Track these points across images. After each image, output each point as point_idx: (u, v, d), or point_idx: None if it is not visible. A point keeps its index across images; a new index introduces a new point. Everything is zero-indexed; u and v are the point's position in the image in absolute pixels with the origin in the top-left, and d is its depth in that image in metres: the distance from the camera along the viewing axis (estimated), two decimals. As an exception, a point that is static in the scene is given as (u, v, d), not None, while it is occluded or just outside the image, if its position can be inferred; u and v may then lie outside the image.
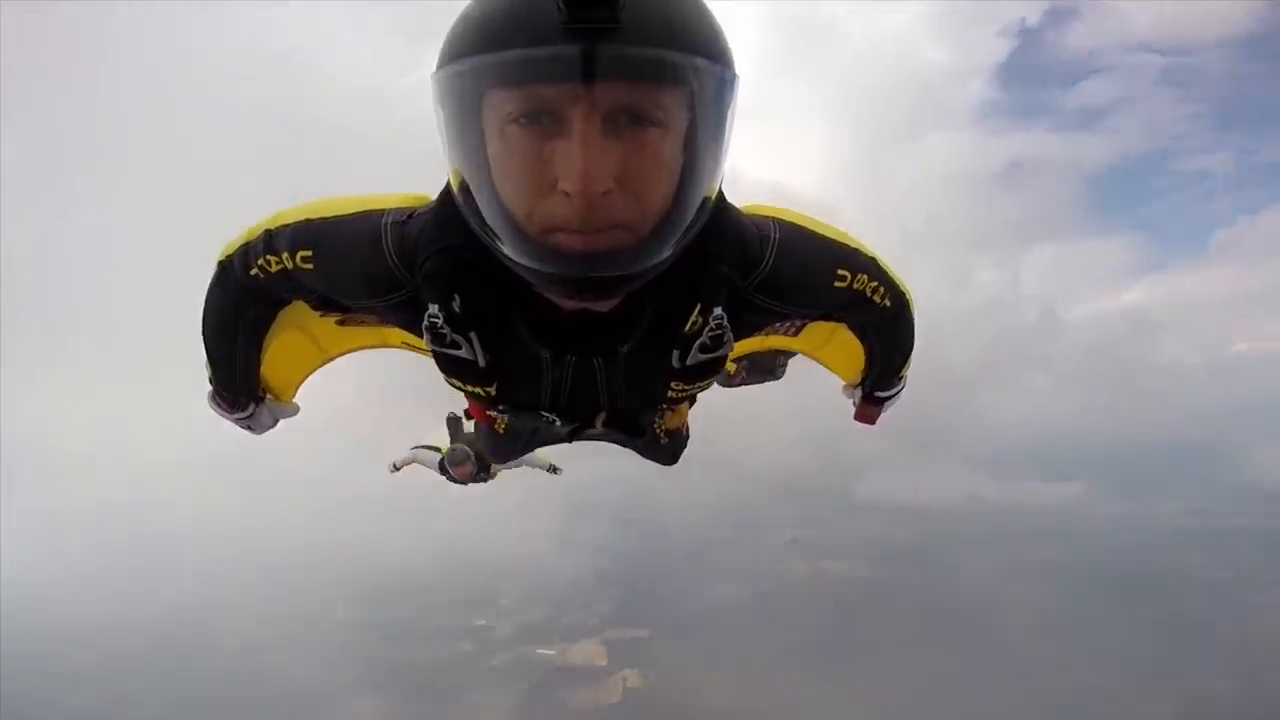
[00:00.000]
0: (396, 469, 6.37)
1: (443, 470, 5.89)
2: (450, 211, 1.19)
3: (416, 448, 6.12)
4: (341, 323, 2.06)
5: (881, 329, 1.96)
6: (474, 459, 5.71)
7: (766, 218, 1.48)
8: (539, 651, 47.01)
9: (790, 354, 4.65)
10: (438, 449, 5.85)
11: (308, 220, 1.48)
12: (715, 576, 60.32)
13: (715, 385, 5.05)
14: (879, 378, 2.31)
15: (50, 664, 44.72)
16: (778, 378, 4.71)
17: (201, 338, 1.88)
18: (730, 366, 4.72)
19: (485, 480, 6.08)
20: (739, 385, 4.84)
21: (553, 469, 7.06)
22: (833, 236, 1.57)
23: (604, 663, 44.21)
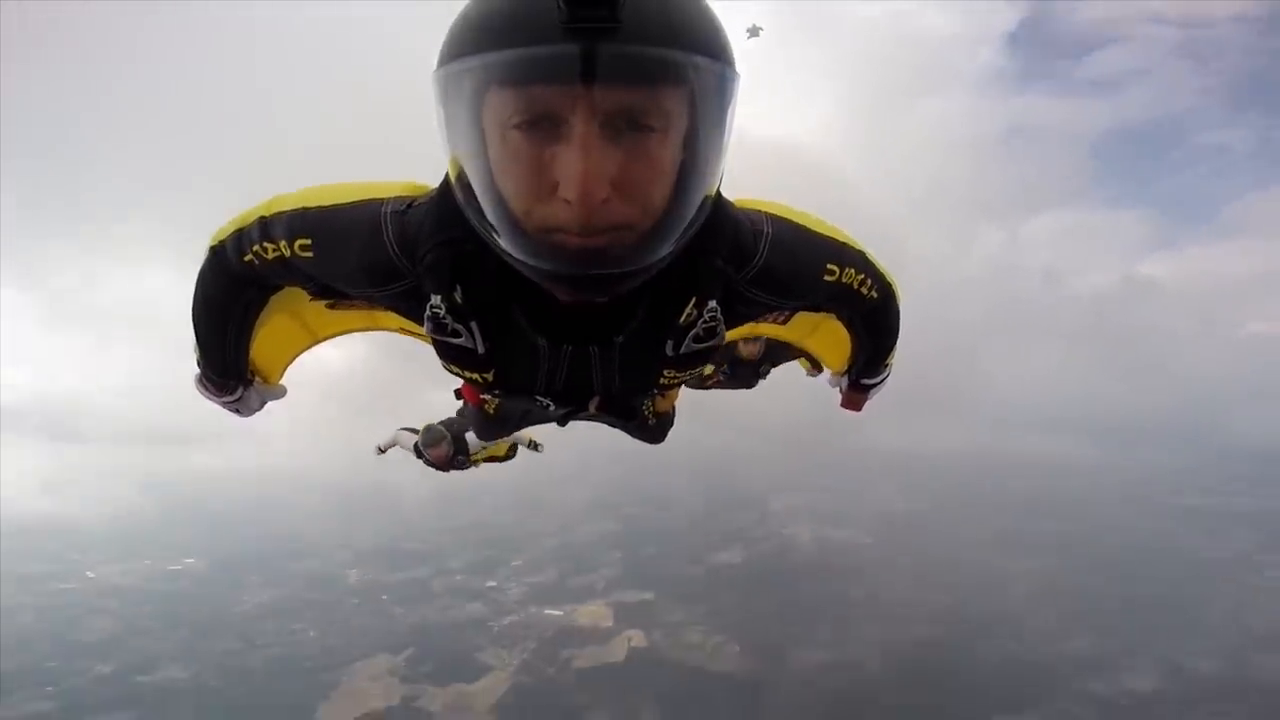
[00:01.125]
0: (382, 451, 6.08)
1: (418, 453, 5.54)
2: (451, 204, 1.20)
3: (402, 429, 5.86)
4: (332, 306, 2.07)
5: (868, 319, 1.99)
6: (450, 441, 5.37)
7: (759, 212, 1.50)
8: (547, 612, 48.39)
9: (770, 367, 4.90)
10: (418, 430, 5.54)
11: (305, 208, 1.47)
12: (720, 542, 61.55)
13: (688, 387, 5.33)
14: (865, 366, 2.35)
15: (72, 631, 46.81)
16: (751, 388, 5.00)
17: (191, 321, 1.87)
18: (708, 370, 4.86)
19: (464, 467, 5.68)
20: (712, 388, 5.12)
21: (534, 445, 6.70)
22: (823, 231, 1.59)
23: (610, 624, 45.54)
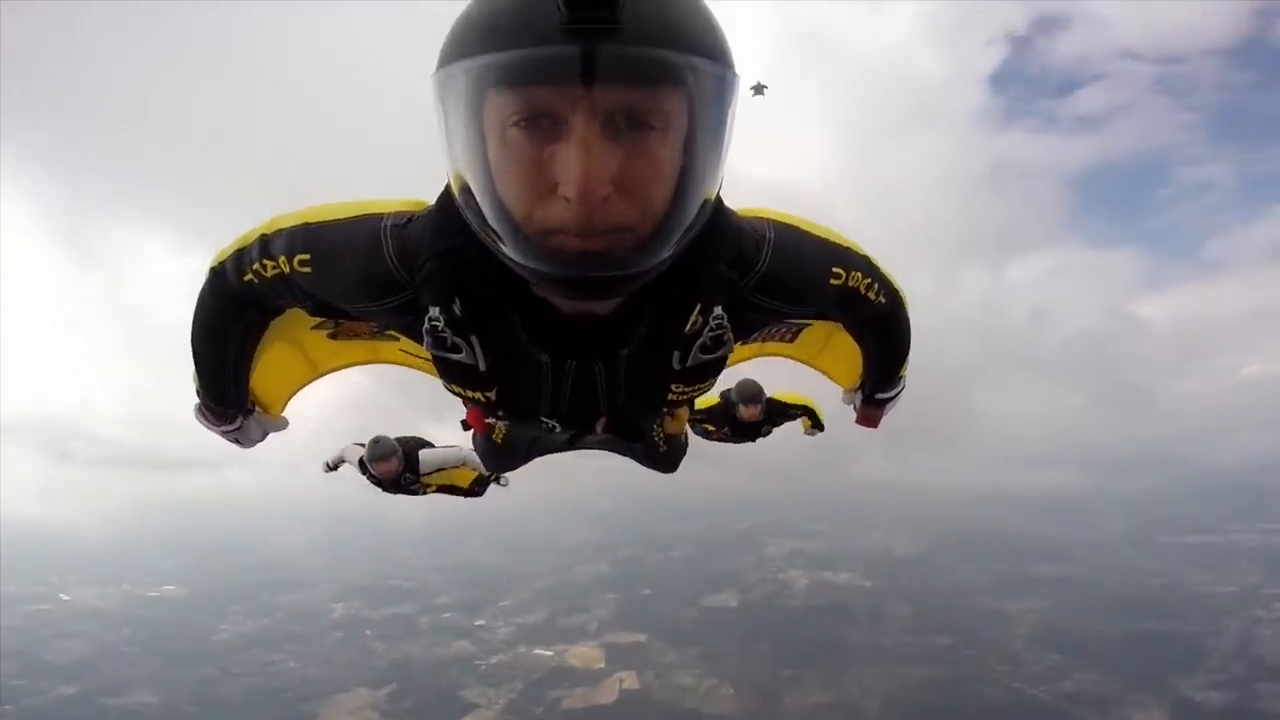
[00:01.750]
0: (331, 468, 5.50)
1: (364, 469, 4.96)
2: (450, 214, 1.19)
3: (353, 444, 5.28)
4: (334, 335, 2.02)
5: (878, 327, 1.93)
6: (400, 457, 4.87)
7: (761, 218, 1.48)
8: (537, 652, 47.11)
9: (771, 428, 5.08)
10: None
11: (305, 224, 1.46)
12: (715, 584, 60.62)
13: (695, 436, 5.07)
14: (879, 380, 2.27)
15: (42, 652, 45.78)
16: (754, 441, 5.12)
17: (191, 347, 1.83)
18: (709, 426, 5.05)
19: (413, 489, 5.15)
20: (717, 441, 5.21)
21: (498, 478, 5.84)
22: (826, 236, 1.57)
23: (602, 665, 44.26)
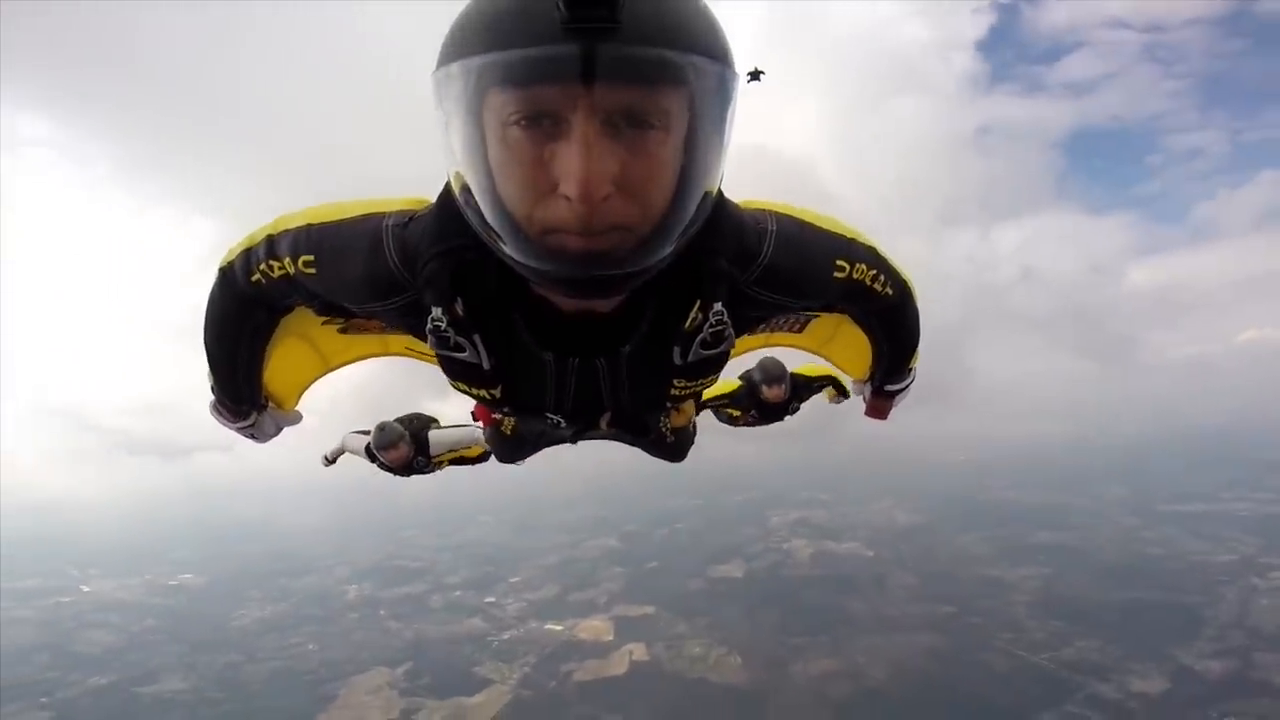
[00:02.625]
0: (330, 462, 5.32)
1: (371, 457, 4.77)
2: (450, 213, 1.19)
3: (352, 433, 5.08)
4: (344, 330, 2.03)
5: (885, 319, 1.93)
6: (409, 440, 4.66)
7: (763, 210, 1.48)
8: (548, 627, 48.17)
9: (799, 404, 4.89)
10: (369, 432, 4.78)
11: (309, 225, 1.47)
12: (720, 556, 61.55)
13: (721, 424, 5.05)
14: (888, 371, 2.27)
15: (71, 644, 46.97)
16: (781, 420, 4.96)
17: (204, 345, 1.86)
18: (735, 412, 4.93)
19: (426, 470, 4.93)
20: (744, 426, 5.10)
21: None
22: (829, 227, 1.56)
23: (611, 638, 45.26)
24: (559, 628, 47.81)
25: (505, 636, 46.98)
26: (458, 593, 57.03)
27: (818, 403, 4.93)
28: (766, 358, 4.59)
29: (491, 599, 55.00)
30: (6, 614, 52.26)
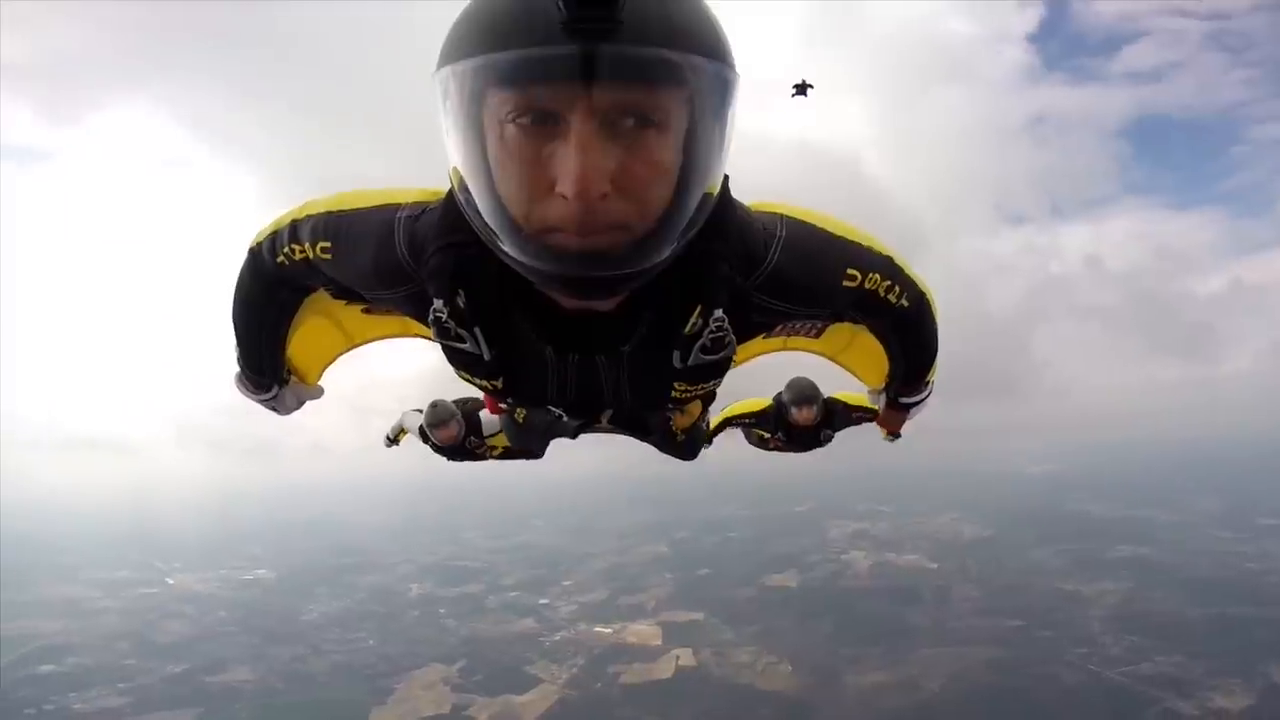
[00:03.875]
0: (392, 441, 5.30)
1: (424, 437, 4.77)
2: (456, 208, 1.20)
3: (410, 411, 5.05)
4: (367, 310, 2.07)
5: (901, 331, 1.86)
6: (460, 420, 4.63)
7: (774, 214, 1.46)
8: (597, 630, 48.46)
9: (832, 433, 4.55)
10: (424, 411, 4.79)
11: (329, 212, 1.53)
12: (774, 565, 60.51)
13: (750, 446, 4.77)
14: (904, 383, 2.20)
15: (150, 633, 49.93)
16: (812, 449, 4.63)
17: (231, 321, 1.95)
18: (764, 433, 4.68)
19: (479, 454, 4.88)
20: (774, 450, 4.86)
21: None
22: (843, 234, 1.51)
23: (659, 642, 45.11)
24: (608, 630, 48.05)
25: (556, 637, 47.56)
26: (513, 594, 58.12)
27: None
28: (798, 377, 4.26)
29: (545, 601, 55.82)
30: (96, 604, 56.20)
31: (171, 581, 64.41)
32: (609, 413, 1.89)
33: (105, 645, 46.99)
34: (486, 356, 1.48)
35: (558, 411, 1.79)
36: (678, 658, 42.27)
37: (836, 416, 4.35)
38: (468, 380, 1.64)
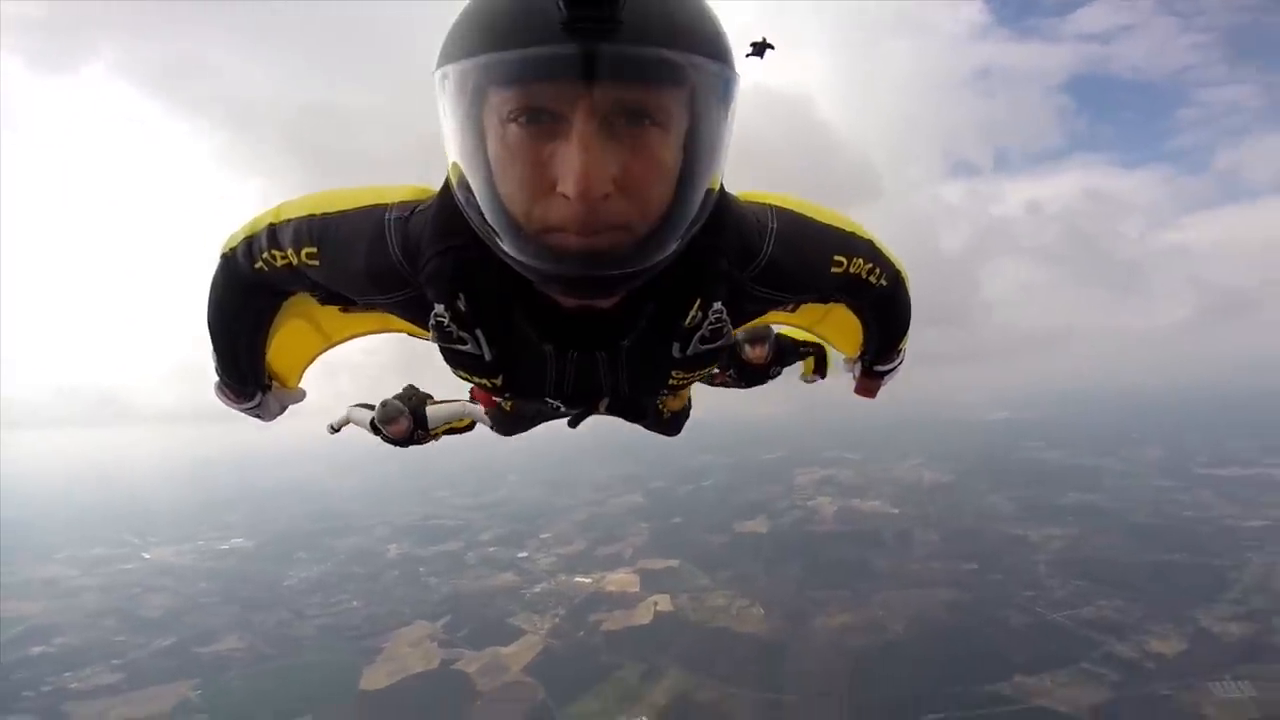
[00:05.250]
0: (334, 430, 5.57)
1: (375, 430, 5.10)
2: (452, 210, 1.19)
3: (354, 406, 5.37)
4: (345, 309, 2.02)
5: (879, 308, 1.92)
6: (408, 415, 5.01)
7: (764, 205, 1.47)
8: (577, 580, 50.05)
9: (780, 369, 4.66)
10: (372, 406, 5.10)
11: (310, 215, 1.47)
12: (745, 512, 62.68)
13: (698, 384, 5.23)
14: (878, 352, 2.29)
15: (135, 608, 49.96)
16: (762, 384, 4.75)
17: (207, 329, 1.86)
18: (714, 369, 4.76)
19: (424, 441, 5.29)
20: (720, 386, 4.90)
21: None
22: (829, 222, 1.55)
23: (637, 589, 46.99)
24: (587, 580, 49.70)
25: (537, 589, 49.04)
26: (491, 549, 59.25)
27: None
28: None
29: (523, 554, 57.15)
30: (74, 583, 55.81)
31: (148, 555, 64.10)
32: (606, 401, 1.92)
33: (91, 623, 47.00)
34: (488, 357, 1.49)
35: (554, 404, 1.80)
36: (655, 604, 44.14)
37: (785, 353, 4.50)
38: (465, 379, 1.65)
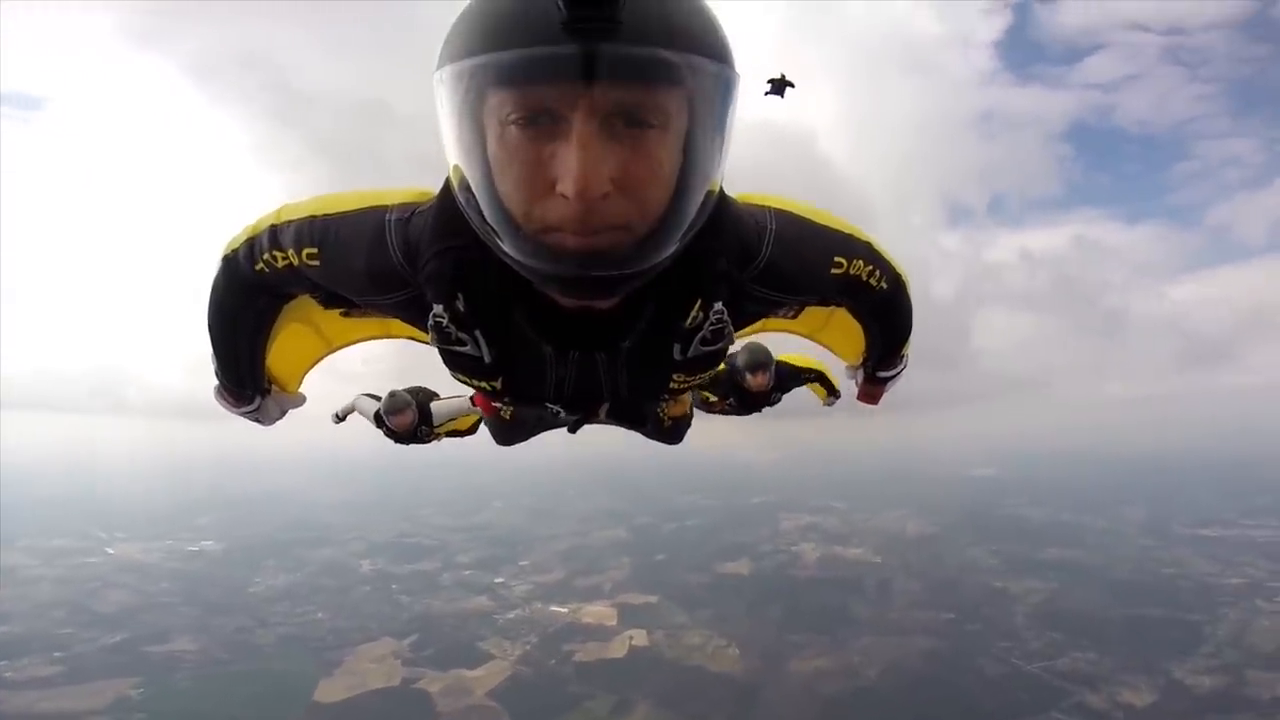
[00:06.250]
0: (340, 419, 5.56)
1: (379, 422, 5.09)
2: (451, 210, 1.19)
3: (362, 395, 5.38)
4: (346, 314, 2.03)
5: (880, 311, 1.91)
6: (415, 408, 4.97)
7: (763, 208, 1.47)
8: (552, 609, 48.99)
9: (781, 395, 4.66)
10: (379, 397, 5.09)
11: (312, 217, 1.48)
12: (728, 553, 62.00)
13: (696, 411, 4.60)
14: (880, 358, 2.27)
15: (89, 602, 48.33)
16: (760, 412, 4.74)
17: (207, 332, 1.86)
18: (711, 396, 4.63)
19: (426, 439, 5.25)
20: (719, 413, 4.89)
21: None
22: (828, 224, 1.56)
23: (614, 623, 45.98)
24: (563, 610, 48.63)
25: (510, 615, 47.90)
26: (468, 572, 58.08)
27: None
28: (752, 342, 4.21)
29: (500, 579, 56.02)
30: (29, 572, 54.25)
31: (112, 551, 62.51)
32: (606, 406, 1.91)
33: (39, 614, 45.48)
34: (487, 359, 1.48)
35: (554, 409, 1.80)
36: (631, 638, 43.16)
37: (786, 379, 4.43)
38: (464, 382, 1.64)
